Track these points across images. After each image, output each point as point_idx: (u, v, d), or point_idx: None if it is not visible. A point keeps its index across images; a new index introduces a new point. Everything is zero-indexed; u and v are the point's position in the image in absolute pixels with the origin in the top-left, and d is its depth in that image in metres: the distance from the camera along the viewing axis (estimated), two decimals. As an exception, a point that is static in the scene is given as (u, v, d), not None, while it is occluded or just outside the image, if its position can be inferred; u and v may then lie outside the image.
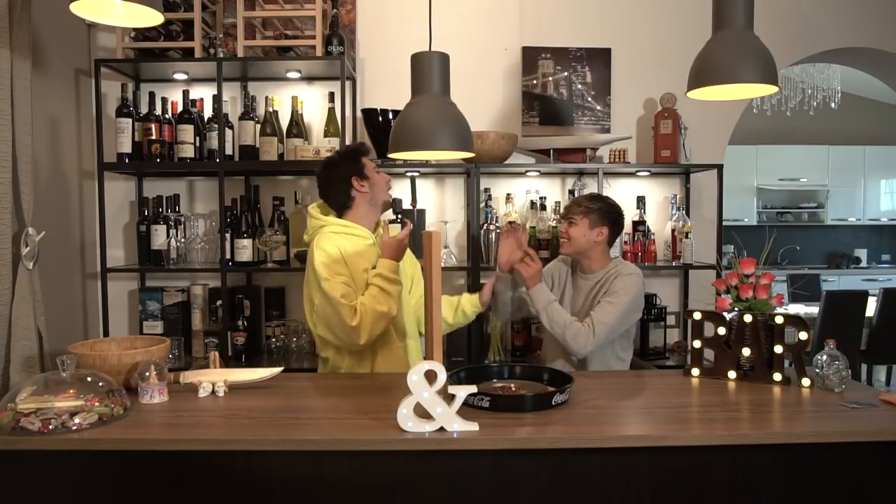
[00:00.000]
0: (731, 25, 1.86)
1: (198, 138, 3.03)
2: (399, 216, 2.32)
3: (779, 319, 2.00)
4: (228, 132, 3.07)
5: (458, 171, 3.26)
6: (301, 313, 2.83)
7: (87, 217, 3.19)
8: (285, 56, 3.05)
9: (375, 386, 2.05)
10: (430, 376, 1.58)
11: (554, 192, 3.35)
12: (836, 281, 6.94)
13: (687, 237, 3.16)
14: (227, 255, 2.99)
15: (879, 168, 7.26)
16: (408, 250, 2.34)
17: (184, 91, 3.06)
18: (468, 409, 1.71)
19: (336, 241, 2.15)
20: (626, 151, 3.19)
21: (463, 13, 3.31)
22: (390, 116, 3.00)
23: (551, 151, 3.19)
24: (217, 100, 2.95)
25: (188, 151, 3.00)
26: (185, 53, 2.99)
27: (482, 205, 3.13)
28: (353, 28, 3.27)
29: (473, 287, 3.06)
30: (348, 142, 3.10)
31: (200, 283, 3.19)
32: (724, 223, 3.28)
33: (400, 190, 3.31)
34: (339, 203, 2.26)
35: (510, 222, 2.55)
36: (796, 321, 1.99)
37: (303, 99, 3.15)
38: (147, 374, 1.82)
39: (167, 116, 3.04)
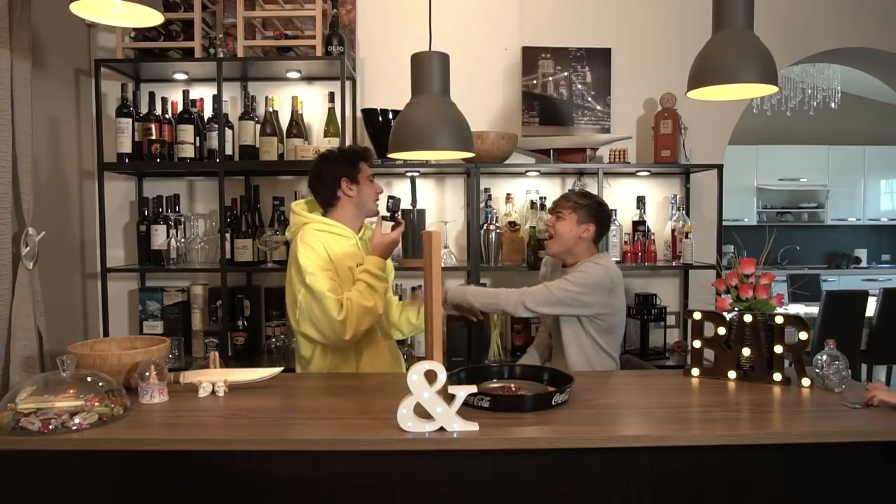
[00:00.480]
0: (731, 25, 1.85)
1: (198, 138, 3.03)
2: (393, 214, 2.32)
3: (779, 319, 2.00)
4: (228, 132, 3.07)
5: (458, 171, 3.26)
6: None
7: (87, 217, 3.19)
8: (285, 56, 3.05)
9: (375, 386, 2.05)
10: (430, 376, 1.58)
11: (554, 192, 3.35)
12: (836, 281, 6.94)
13: (687, 237, 3.16)
14: (227, 255, 2.99)
15: (879, 168, 7.26)
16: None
17: (184, 91, 3.06)
18: (468, 409, 1.71)
19: (320, 237, 2.15)
20: (626, 151, 3.19)
21: (463, 13, 3.31)
22: (390, 116, 3.00)
23: (551, 151, 3.19)
24: (217, 100, 2.95)
25: (188, 151, 3.00)
26: (185, 53, 2.99)
27: (482, 205, 3.13)
28: (353, 28, 3.27)
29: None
30: (348, 142, 3.10)
31: (200, 283, 3.19)
32: (724, 223, 3.28)
33: (400, 190, 3.31)
34: (324, 199, 2.26)
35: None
36: (796, 321, 1.99)
37: (303, 99, 3.15)
38: (147, 374, 1.82)
39: (167, 116, 3.04)
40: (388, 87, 3.26)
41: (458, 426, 1.57)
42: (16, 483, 1.60)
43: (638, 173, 3.32)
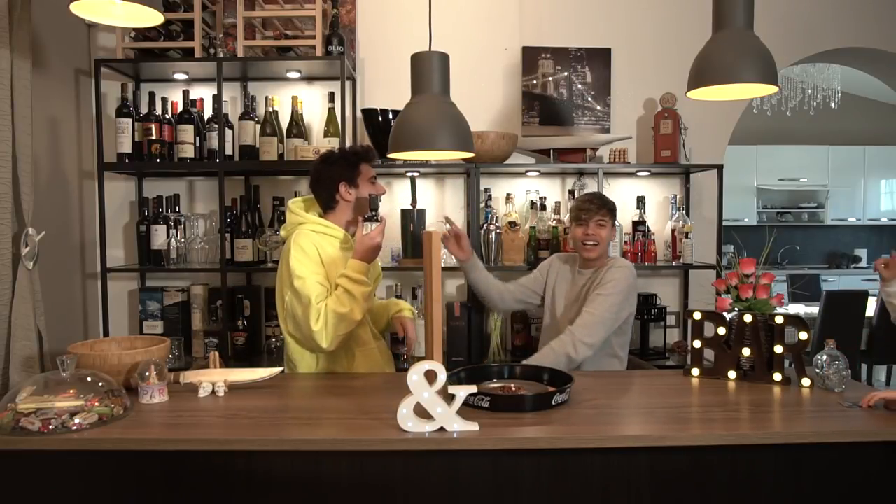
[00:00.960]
0: (731, 25, 1.85)
1: (198, 138, 3.03)
2: (374, 213, 2.23)
3: (779, 319, 2.00)
4: (228, 132, 3.07)
5: (458, 171, 3.26)
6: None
7: (87, 217, 3.19)
8: (285, 56, 3.05)
9: (375, 386, 2.05)
10: (430, 376, 1.58)
11: (554, 192, 3.35)
12: (836, 281, 6.94)
13: (687, 237, 3.16)
14: (227, 255, 2.99)
15: (879, 168, 7.26)
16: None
17: (184, 91, 3.06)
18: (468, 409, 1.71)
19: (314, 239, 2.12)
20: (626, 151, 3.19)
21: (463, 13, 3.31)
22: (390, 116, 3.00)
23: (551, 151, 3.19)
24: (217, 100, 2.95)
25: (188, 151, 3.00)
26: (185, 53, 2.99)
27: (482, 205, 3.13)
28: (353, 28, 3.27)
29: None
30: (349, 142, 3.10)
31: (200, 283, 3.19)
32: (724, 223, 3.28)
33: (400, 190, 3.31)
34: (323, 201, 2.24)
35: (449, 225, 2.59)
36: (796, 321, 1.99)
37: (303, 99, 3.15)
38: (147, 374, 1.82)
39: (167, 116, 3.04)
40: (388, 87, 3.26)
41: (458, 426, 1.57)
42: (16, 483, 1.60)
43: (638, 173, 3.32)
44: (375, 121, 3.02)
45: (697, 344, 2.10)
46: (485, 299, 2.70)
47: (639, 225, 3.20)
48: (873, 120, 7.48)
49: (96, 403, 1.66)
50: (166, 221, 3.06)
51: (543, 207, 3.18)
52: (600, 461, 1.59)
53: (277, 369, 2.03)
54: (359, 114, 3.18)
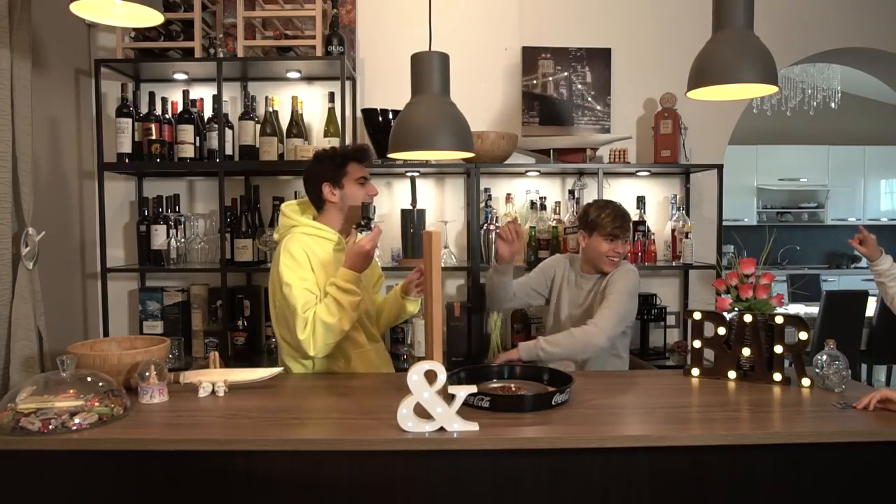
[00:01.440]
0: (731, 25, 1.86)
1: (198, 138, 3.03)
2: (367, 221, 2.17)
3: (779, 319, 2.00)
4: (228, 132, 3.07)
5: (458, 171, 3.26)
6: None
7: (87, 217, 3.19)
8: (285, 56, 3.05)
9: (375, 386, 2.05)
10: (430, 376, 1.58)
11: (554, 192, 3.35)
12: (836, 281, 6.94)
13: (687, 237, 3.16)
14: (227, 255, 2.99)
15: (879, 168, 7.26)
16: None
17: (184, 91, 3.06)
18: (468, 409, 1.71)
19: (305, 243, 2.09)
20: (626, 151, 3.19)
21: (463, 13, 3.31)
22: (390, 116, 3.00)
23: (551, 151, 3.19)
24: (217, 100, 2.95)
25: (188, 151, 3.00)
26: (185, 53, 2.99)
27: (482, 205, 3.13)
28: (353, 28, 3.27)
29: (474, 287, 3.06)
30: (349, 142, 3.10)
31: (200, 283, 3.19)
32: (724, 223, 3.28)
33: (400, 190, 3.31)
34: (313, 202, 2.23)
35: (510, 222, 2.55)
36: (796, 321, 1.99)
37: (303, 99, 3.15)
38: (147, 374, 1.82)
39: (167, 116, 3.04)
40: (388, 87, 3.26)
41: (458, 426, 1.57)
42: (16, 483, 1.60)
43: (638, 173, 3.32)
44: (375, 121, 3.02)
45: (697, 344, 2.11)
46: (495, 300, 2.64)
47: (639, 225, 3.20)
48: (873, 120, 7.47)
49: (96, 403, 1.66)
50: (166, 221, 3.06)
51: (543, 207, 3.18)
52: (600, 461, 1.59)
53: (277, 369, 2.03)
54: (359, 114, 3.18)
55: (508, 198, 3.23)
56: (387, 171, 3.22)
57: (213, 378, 1.93)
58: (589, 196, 3.17)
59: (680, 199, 3.24)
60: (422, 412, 1.58)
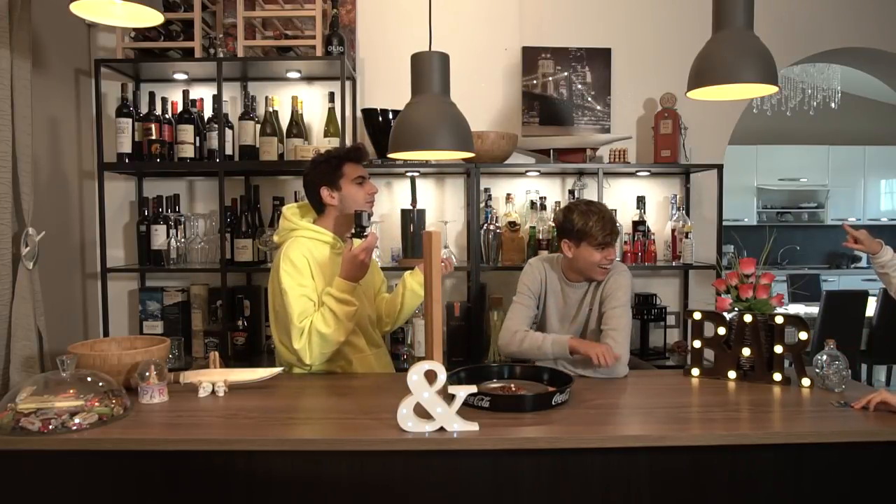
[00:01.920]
0: (731, 25, 1.85)
1: (198, 138, 3.03)
2: (360, 229, 2.10)
3: (779, 319, 2.00)
4: (228, 132, 3.07)
5: (458, 171, 3.26)
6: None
7: (87, 217, 3.19)
8: (285, 56, 3.05)
9: (375, 386, 2.05)
10: (430, 376, 1.58)
11: (554, 192, 3.35)
12: (836, 281, 6.94)
13: (687, 237, 3.16)
14: (227, 255, 2.99)
15: (879, 168, 7.27)
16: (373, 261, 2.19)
17: (184, 91, 3.06)
18: (468, 409, 1.71)
19: (306, 248, 2.09)
20: (626, 151, 3.19)
21: (463, 13, 3.31)
22: (390, 116, 3.00)
23: (551, 151, 3.19)
24: (217, 100, 2.95)
25: (188, 151, 3.00)
26: (185, 53, 2.99)
27: (482, 205, 3.13)
28: (353, 28, 3.27)
29: (474, 287, 3.06)
30: (349, 142, 3.10)
31: (200, 283, 3.19)
32: (724, 223, 3.28)
33: (400, 190, 3.31)
34: (314, 206, 2.22)
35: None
36: (796, 321, 1.99)
37: (303, 99, 3.15)
38: (147, 374, 1.82)
39: (167, 116, 3.04)
40: (388, 87, 3.26)
41: (458, 426, 1.57)
42: (16, 483, 1.60)
43: (638, 173, 3.32)
44: (375, 121, 3.02)
45: (697, 344, 2.11)
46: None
47: (639, 225, 3.20)
48: (873, 120, 7.48)
49: (96, 403, 1.66)
50: (166, 221, 3.06)
51: (543, 207, 3.18)
52: (600, 461, 1.59)
53: (277, 369, 2.03)
54: (359, 114, 3.18)
55: (508, 198, 3.23)
56: (387, 171, 3.22)
57: (213, 378, 1.93)
58: (589, 196, 3.17)
59: (680, 199, 3.24)
60: (422, 412, 1.58)
